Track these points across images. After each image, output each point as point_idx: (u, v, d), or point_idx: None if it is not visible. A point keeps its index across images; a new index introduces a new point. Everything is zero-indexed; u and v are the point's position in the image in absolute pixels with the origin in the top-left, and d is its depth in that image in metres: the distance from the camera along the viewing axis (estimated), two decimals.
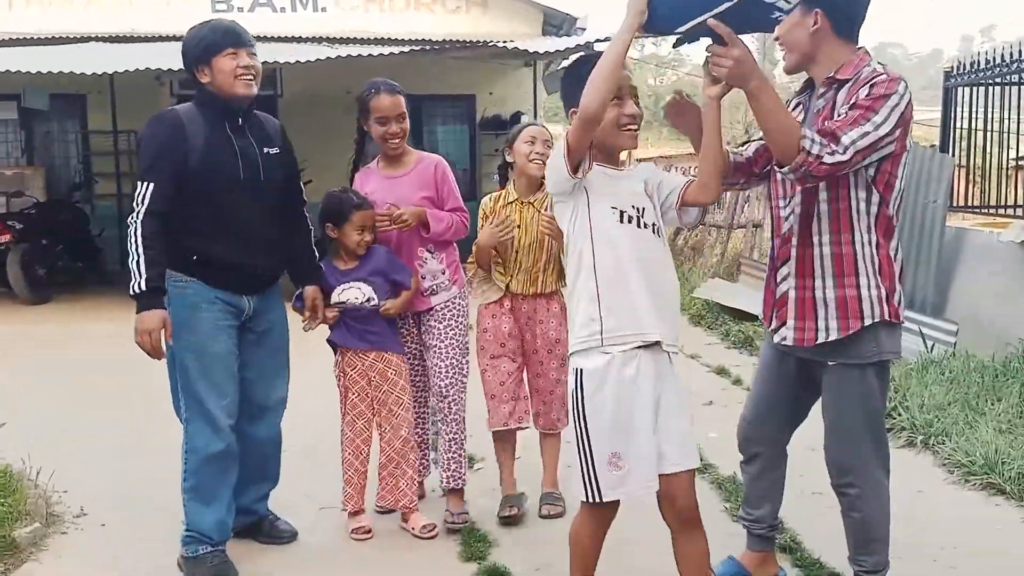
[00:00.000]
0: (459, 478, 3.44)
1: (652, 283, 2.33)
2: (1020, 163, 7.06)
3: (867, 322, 2.47)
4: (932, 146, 7.85)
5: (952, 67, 7.73)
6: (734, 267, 9.01)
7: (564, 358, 3.45)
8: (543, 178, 3.40)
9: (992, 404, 4.59)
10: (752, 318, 6.72)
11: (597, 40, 9.15)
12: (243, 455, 3.17)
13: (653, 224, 2.39)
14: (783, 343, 2.59)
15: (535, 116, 12.11)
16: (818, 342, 2.52)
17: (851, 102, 2.39)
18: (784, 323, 2.58)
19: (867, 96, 2.36)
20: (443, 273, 3.43)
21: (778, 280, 2.61)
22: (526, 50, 9.36)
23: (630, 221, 2.34)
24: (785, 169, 2.35)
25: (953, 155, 7.52)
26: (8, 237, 8.70)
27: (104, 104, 10.82)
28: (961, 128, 7.52)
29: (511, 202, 3.45)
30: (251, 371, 3.14)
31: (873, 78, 2.40)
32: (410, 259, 3.39)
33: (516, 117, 11.91)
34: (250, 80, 2.95)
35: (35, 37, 9.83)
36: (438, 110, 12.32)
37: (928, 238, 7.24)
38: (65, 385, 5.65)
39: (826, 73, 2.50)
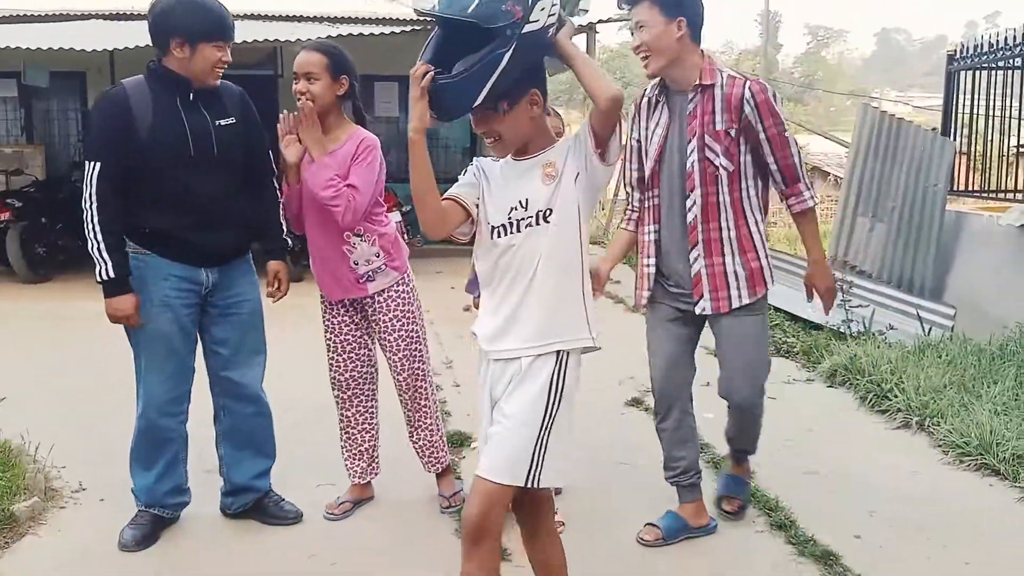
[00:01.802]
0: (438, 461, 3.40)
1: (516, 288, 2.19)
2: (1022, 149, 7.03)
3: (769, 286, 3.05)
4: (934, 130, 7.83)
5: (955, 50, 7.69)
6: None
7: None
8: None
9: (988, 387, 4.60)
10: None
11: (600, 21, 9.10)
12: (232, 432, 3.22)
13: (540, 212, 2.17)
14: (703, 312, 3.01)
15: None
16: (732, 308, 2.99)
17: (768, 130, 2.92)
18: (702, 296, 3.00)
19: (773, 123, 2.92)
20: (377, 256, 3.21)
21: (690, 261, 2.99)
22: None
23: (504, 233, 2.19)
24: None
25: (954, 140, 7.51)
26: (7, 215, 8.68)
27: (104, 82, 10.75)
28: (964, 113, 7.49)
29: None
30: (224, 348, 3.14)
31: (744, 88, 2.89)
32: (337, 245, 3.17)
33: None
34: (221, 73, 2.98)
35: (35, 14, 9.79)
36: None
37: (928, 222, 7.25)
38: (64, 362, 5.67)
39: (690, 77, 2.93)
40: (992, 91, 7.07)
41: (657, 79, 3.01)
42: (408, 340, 3.26)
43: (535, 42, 2.07)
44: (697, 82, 2.93)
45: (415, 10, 2.57)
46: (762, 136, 2.93)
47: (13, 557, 3.02)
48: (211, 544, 3.14)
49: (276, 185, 3.23)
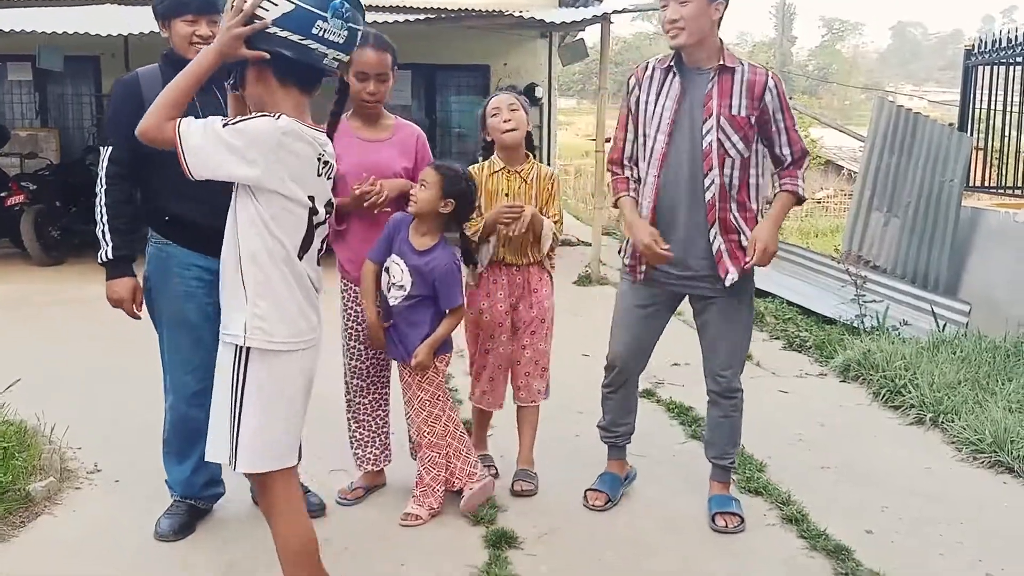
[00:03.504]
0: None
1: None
2: None
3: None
4: (951, 125, 7.77)
5: (973, 45, 7.63)
6: None
7: (550, 329, 3.49)
8: (526, 146, 3.39)
9: (1002, 384, 4.58)
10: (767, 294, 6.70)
11: (614, 11, 9.04)
12: None
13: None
14: (733, 281, 3.07)
15: (549, 88, 12.03)
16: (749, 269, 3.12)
17: (786, 121, 3.05)
18: (727, 272, 3.06)
19: (789, 115, 3.05)
20: None
21: (710, 239, 3.06)
22: (542, 20, 9.25)
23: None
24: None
25: (971, 135, 7.45)
26: (22, 198, 8.72)
27: (118, 66, 10.77)
28: (981, 108, 7.43)
29: (497, 171, 3.34)
30: None
31: (767, 78, 3.00)
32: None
33: (531, 88, 11.84)
34: (199, 48, 2.87)
35: None
36: (452, 80, 12.22)
37: (944, 217, 7.20)
38: (79, 344, 5.70)
39: (712, 58, 2.99)
40: (1010, 87, 7.01)
41: (669, 55, 3.08)
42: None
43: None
44: (720, 62, 2.99)
45: None
46: (781, 126, 3.05)
47: (29, 536, 3.05)
48: (238, 533, 3.11)
49: None
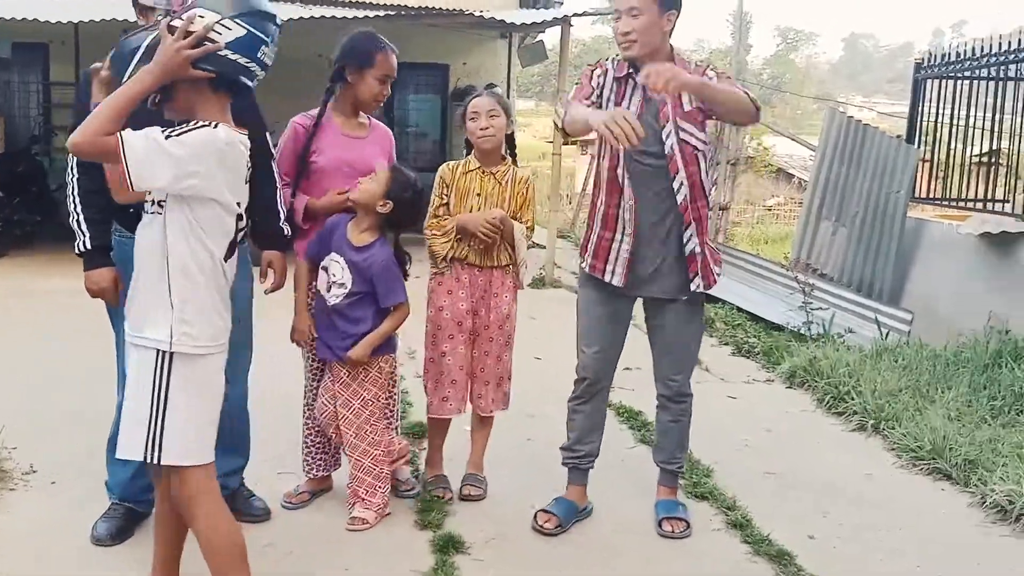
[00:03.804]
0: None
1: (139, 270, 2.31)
2: (983, 159, 7.17)
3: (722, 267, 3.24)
4: (899, 137, 7.94)
5: (922, 59, 7.81)
6: None
7: (511, 337, 3.41)
8: (502, 149, 3.35)
9: (942, 392, 4.69)
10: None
11: (575, 14, 9.08)
12: None
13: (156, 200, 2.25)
14: (696, 290, 3.10)
15: (507, 88, 12.03)
16: (716, 283, 3.17)
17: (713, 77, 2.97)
18: (697, 274, 3.08)
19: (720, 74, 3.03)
20: None
21: (684, 241, 3.05)
22: (502, 21, 9.25)
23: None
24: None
25: (919, 147, 7.63)
26: None
27: (68, 55, 10.50)
28: (928, 120, 7.61)
29: (472, 170, 3.30)
30: None
31: (709, 67, 3.03)
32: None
33: (490, 88, 11.82)
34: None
35: None
36: (410, 78, 12.15)
37: (888, 228, 7.37)
38: (18, 341, 5.55)
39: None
40: (957, 100, 7.19)
41: (629, 64, 3.03)
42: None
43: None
44: None
45: None
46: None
47: None
48: None
49: (275, 169, 3.10)
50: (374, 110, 3.29)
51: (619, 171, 3.03)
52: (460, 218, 3.26)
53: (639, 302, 3.23)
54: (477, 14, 8.94)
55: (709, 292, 3.23)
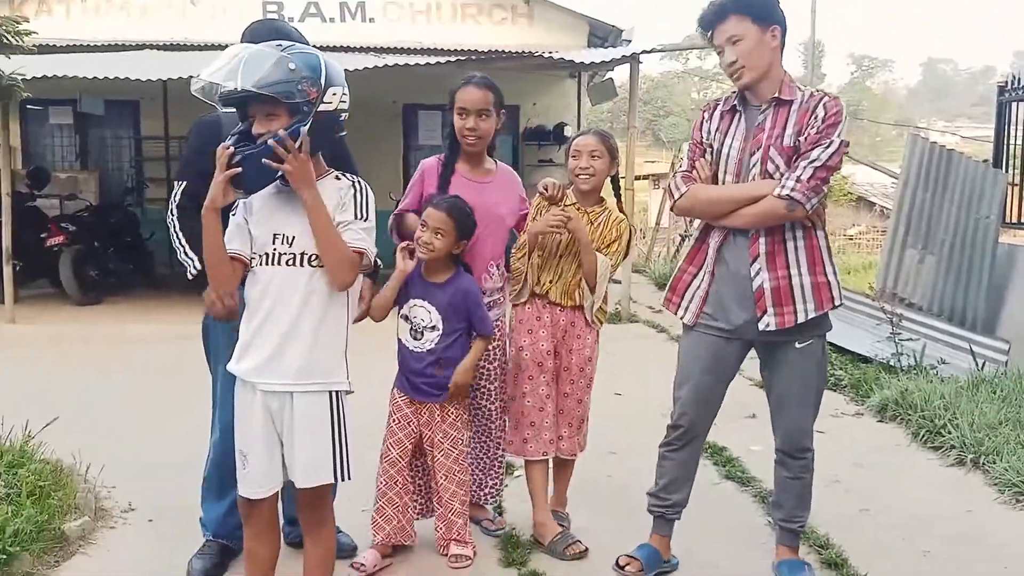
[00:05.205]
0: (498, 492, 3.46)
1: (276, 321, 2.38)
2: None
3: (836, 303, 2.85)
4: (985, 161, 7.70)
5: (1006, 82, 7.59)
6: None
7: (591, 379, 3.33)
8: (600, 191, 3.30)
9: None
10: None
11: (643, 51, 9.12)
12: None
13: (304, 255, 2.38)
14: (767, 329, 2.82)
15: (578, 127, 12.11)
16: (797, 323, 2.81)
17: (810, 130, 2.74)
18: (765, 311, 2.82)
19: (826, 133, 2.73)
20: (500, 291, 3.27)
21: (752, 275, 2.82)
22: (571, 61, 9.35)
23: (266, 263, 2.42)
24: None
25: (1006, 171, 7.38)
26: (61, 239, 8.91)
27: (157, 111, 11.07)
28: (1015, 144, 7.36)
29: (567, 205, 3.23)
30: None
31: (821, 102, 2.75)
32: (479, 272, 3.18)
33: (560, 127, 11.92)
34: None
35: (92, 44, 10.07)
36: None
37: (980, 254, 7.11)
38: (115, 383, 5.76)
39: (770, 91, 2.80)
40: None
41: (732, 95, 2.90)
42: (503, 375, 3.33)
43: (327, 122, 2.35)
44: (775, 95, 2.80)
45: (202, 88, 2.65)
46: (805, 141, 2.75)
47: None
48: None
49: None
50: (473, 147, 3.22)
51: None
52: (531, 227, 3.22)
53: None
54: (547, 55, 9.06)
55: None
